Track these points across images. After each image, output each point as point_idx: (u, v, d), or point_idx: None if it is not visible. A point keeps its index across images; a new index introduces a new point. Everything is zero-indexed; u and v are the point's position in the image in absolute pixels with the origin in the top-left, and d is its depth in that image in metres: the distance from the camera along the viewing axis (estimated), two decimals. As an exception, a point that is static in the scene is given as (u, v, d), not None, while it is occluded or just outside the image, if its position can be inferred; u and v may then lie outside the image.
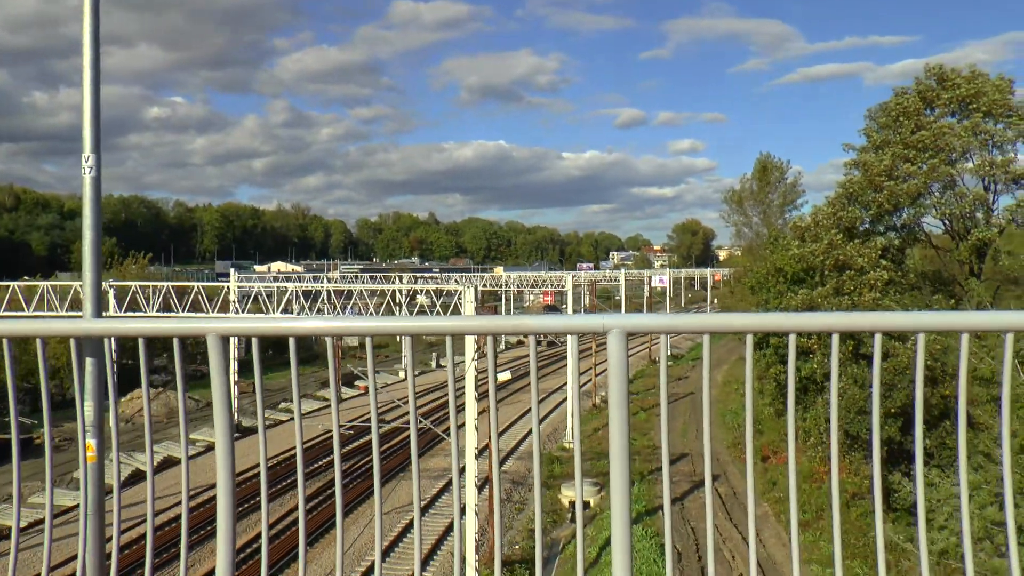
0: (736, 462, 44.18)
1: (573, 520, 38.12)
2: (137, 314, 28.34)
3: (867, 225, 29.49)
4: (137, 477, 42.42)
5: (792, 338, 3.47)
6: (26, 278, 65.15)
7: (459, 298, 22.58)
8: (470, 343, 27.26)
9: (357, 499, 37.79)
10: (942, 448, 28.73)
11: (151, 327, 4.02)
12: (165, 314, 28.24)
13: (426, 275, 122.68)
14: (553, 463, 45.74)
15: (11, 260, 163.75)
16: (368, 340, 3.90)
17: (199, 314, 38.31)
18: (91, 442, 8.48)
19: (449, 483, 40.43)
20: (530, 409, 59.16)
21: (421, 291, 31.79)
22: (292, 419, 57.86)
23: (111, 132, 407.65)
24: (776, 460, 43.34)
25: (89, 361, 8.55)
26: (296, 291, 30.25)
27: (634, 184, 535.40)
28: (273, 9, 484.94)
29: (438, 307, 25.81)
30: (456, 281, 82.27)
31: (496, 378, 3.97)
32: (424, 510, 35.90)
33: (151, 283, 28.82)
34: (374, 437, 3.72)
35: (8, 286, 28.79)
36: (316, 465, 43.86)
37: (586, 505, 39.86)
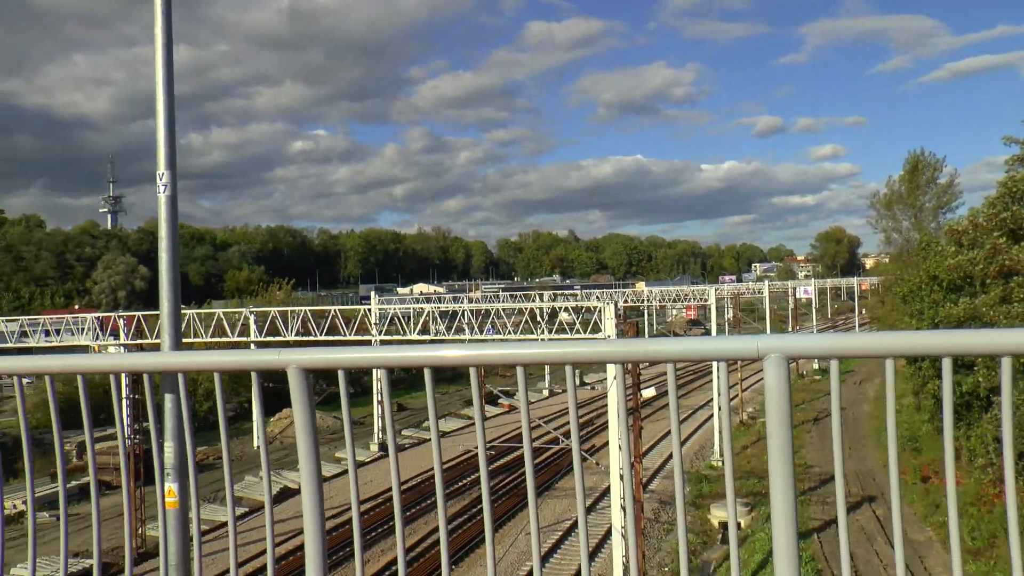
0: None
1: (723, 541, 36.71)
2: (277, 338, 28.80)
3: (1036, 227, 27.28)
4: (284, 495, 43.22)
5: (947, 361, 2.67)
6: (182, 306, 67.24)
7: (599, 315, 21.89)
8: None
9: (498, 519, 37.38)
10: None
11: (227, 359, 3.49)
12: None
13: (567, 292, 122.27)
14: (701, 482, 44.30)
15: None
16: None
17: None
18: (171, 486, 7.85)
19: (593, 505, 39.66)
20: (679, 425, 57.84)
21: (561, 308, 31.23)
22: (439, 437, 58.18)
23: (259, 167, 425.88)
24: (938, 481, 40.77)
25: (168, 397, 7.82)
26: (433, 312, 30.17)
27: (774, 193, 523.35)
28: (406, 40, 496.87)
29: (577, 324, 25.17)
30: (597, 297, 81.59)
31: (639, 395, 3.31)
32: (568, 532, 35.20)
33: (289, 308, 29.19)
34: (527, 454, 3.08)
35: (186, 313, 29.68)
36: (459, 484, 43.81)
37: (737, 526, 38.51)
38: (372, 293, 63.71)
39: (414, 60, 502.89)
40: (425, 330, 32.48)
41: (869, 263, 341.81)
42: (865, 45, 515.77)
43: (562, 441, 49.74)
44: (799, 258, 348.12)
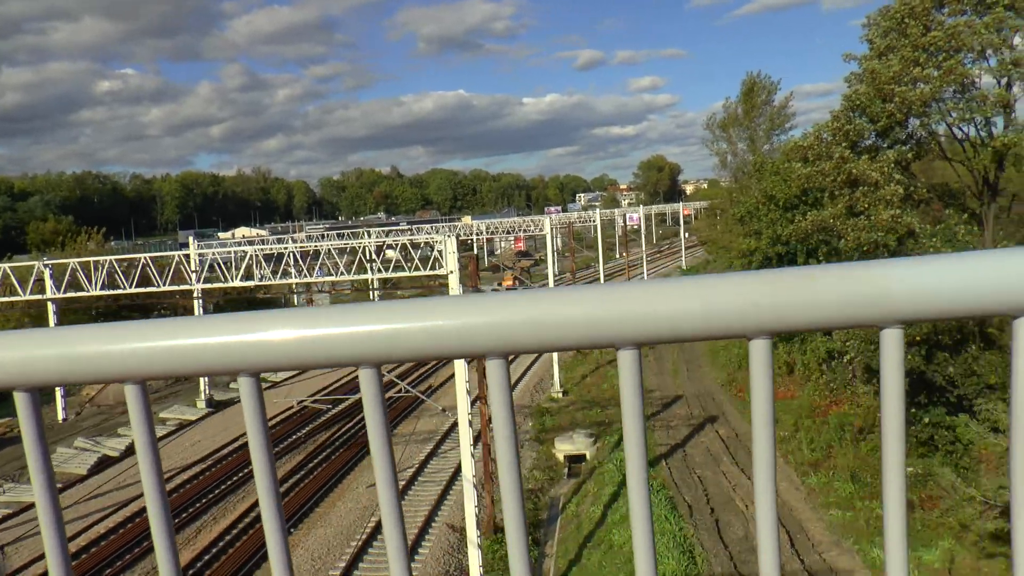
0: (734, 401, 42.13)
1: (571, 475, 36.01)
2: (81, 294, 25.59)
3: (873, 139, 27.15)
4: (104, 463, 39.82)
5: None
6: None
7: (439, 251, 20.09)
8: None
9: (337, 471, 35.41)
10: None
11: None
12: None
13: (394, 228, 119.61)
14: (544, 416, 43.53)
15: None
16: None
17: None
18: None
19: (437, 447, 38.20)
20: (511, 361, 57.02)
21: (396, 245, 29.13)
22: (269, 387, 55.44)
23: (62, 109, 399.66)
24: (775, 395, 41.48)
25: None
26: (257, 255, 27.52)
27: (596, 125, 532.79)
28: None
29: (416, 261, 23.20)
30: (428, 232, 79.47)
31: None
32: (413, 479, 33.60)
33: (91, 258, 25.97)
34: None
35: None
36: (294, 437, 41.47)
37: (582, 458, 37.71)
38: (190, 239, 59.72)
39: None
40: (249, 275, 29.74)
41: (689, 189, 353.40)
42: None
43: (398, 384, 48.08)
44: (622, 187, 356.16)
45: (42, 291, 26.14)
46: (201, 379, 51.23)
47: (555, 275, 52.29)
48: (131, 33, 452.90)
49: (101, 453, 41.21)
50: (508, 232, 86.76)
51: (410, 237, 29.77)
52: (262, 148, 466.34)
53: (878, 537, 24.07)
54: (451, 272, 20.52)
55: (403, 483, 32.94)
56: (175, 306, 74.44)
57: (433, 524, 28.83)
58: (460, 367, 20.96)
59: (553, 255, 53.19)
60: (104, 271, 24.93)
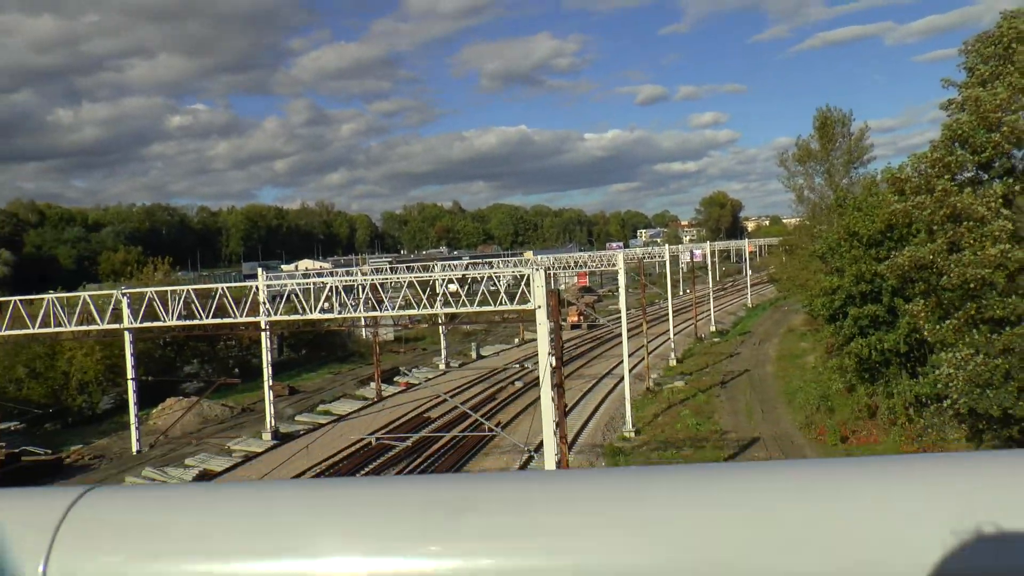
0: (814, 444, 40.56)
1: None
2: (156, 323, 25.22)
3: (975, 172, 25.83)
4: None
5: None
6: (50, 291, 62.45)
7: (526, 283, 19.24)
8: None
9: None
10: None
11: None
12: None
13: (454, 263, 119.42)
14: (617, 456, 42.30)
15: (40, 274, 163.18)
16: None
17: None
18: None
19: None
20: (581, 399, 55.90)
21: (482, 277, 28.28)
22: (334, 421, 55.00)
23: (135, 143, 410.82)
24: (855, 440, 39.80)
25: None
26: (336, 286, 26.90)
27: (657, 161, 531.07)
28: (289, 9, 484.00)
29: (503, 294, 22.30)
30: (491, 265, 78.79)
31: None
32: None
33: (169, 288, 25.66)
34: None
35: (43, 299, 25.86)
36: (362, 473, 40.76)
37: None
38: (259, 270, 59.78)
39: (296, 31, 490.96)
40: (328, 308, 29.12)
41: (751, 225, 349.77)
42: (744, 15, 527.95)
43: (472, 416, 47.33)
44: (683, 223, 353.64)
45: (119, 320, 25.81)
46: (267, 410, 50.98)
47: (625, 310, 51.24)
48: (202, 69, 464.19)
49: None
50: (567, 268, 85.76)
51: (493, 270, 28.97)
52: (325, 182, 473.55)
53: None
54: (539, 307, 19.66)
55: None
56: (241, 338, 74.75)
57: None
58: (547, 409, 20.00)
59: (624, 290, 52.05)
60: (180, 301, 24.51)
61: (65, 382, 60.06)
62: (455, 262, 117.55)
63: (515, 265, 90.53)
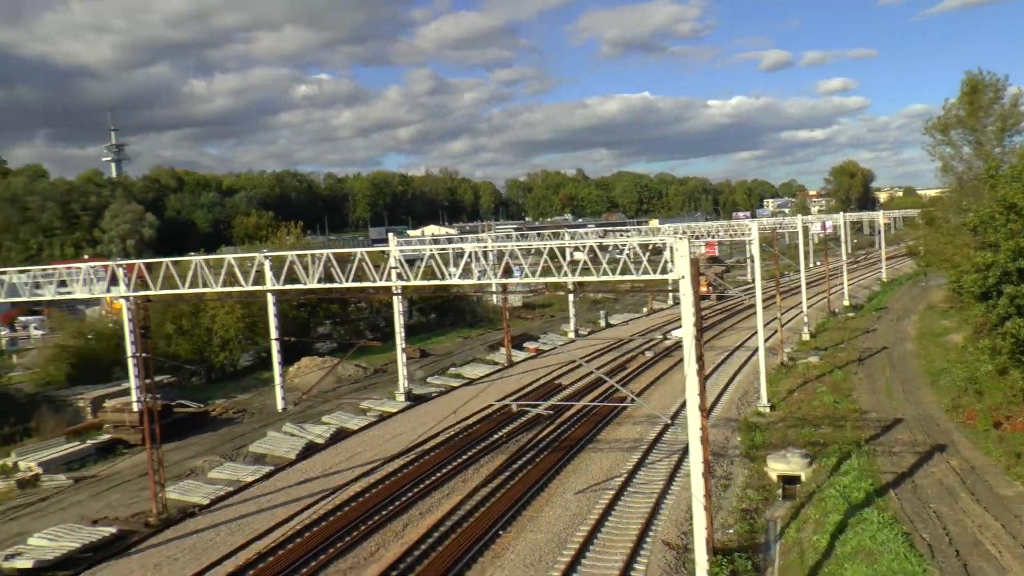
0: (962, 429, 38.81)
1: (786, 497, 33.94)
2: (297, 286, 25.81)
3: None
4: (310, 450, 40.64)
5: None
6: (191, 253, 64.82)
7: (669, 253, 18.92)
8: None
9: (548, 473, 34.59)
10: None
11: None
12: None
13: (581, 231, 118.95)
14: (752, 431, 41.47)
15: (179, 238, 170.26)
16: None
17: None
18: None
19: (644, 457, 36.88)
20: (713, 372, 54.97)
21: (621, 247, 27.95)
22: (465, 385, 55.62)
23: (263, 113, 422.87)
24: (1010, 426, 37.82)
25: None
26: (475, 252, 26.98)
27: (783, 128, 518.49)
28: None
29: (645, 263, 21.92)
30: (619, 234, 78.15)
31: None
32: (621, 490, 32.39)
33: (309, 252, 26.21)
34: None
35: (191, 260, 26.90)
36: (495, 437, 41.08)
37: (796, 480, 35.51)
38: (390, 236, 60.67)
39: (416, 1, 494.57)
40: (467, 273, 29.29)
41: (883, 196, 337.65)
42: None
43: (608, 381, 47.01)
44: (812, 193, 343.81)
45: (262, 281, 26.50)
46: (400, 372, 51.90)
47: (760, 280, 50.03)
48: (327, 41, 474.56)
49: (307, 440, 42.14)
50: (698, 237, 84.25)
51: (641, 238, 28.53)
52: (448, 150, 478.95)
53: None
54: (682, 277, 19.23)
55: (611, 493, 31.84)
56: (372, 301, 76.25)
57: (647, 540, 27.54)
58: (690, 373, 19.59)
59: (759, 261, 50.77)
60: (320, 264, 24.98)
61: (208, 339, 62.52)
62: (583, 230, 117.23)
63: (645, 234, 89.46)
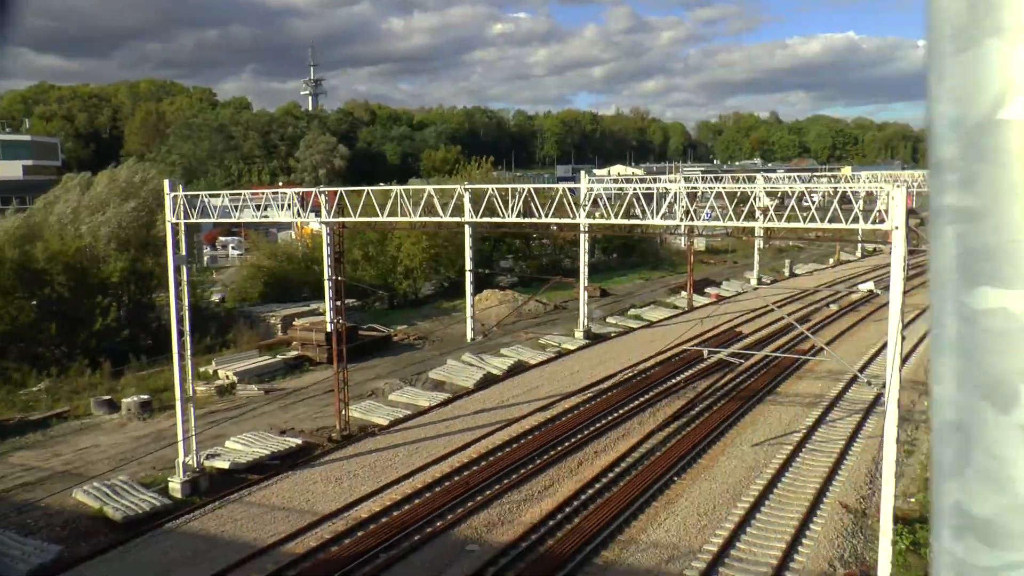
0: None
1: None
2: (495, 219, 26.04)
3: None
4: (488, 381, 41.48)
5: None
6: (381, 183, 66.71)
7: (842, 202, 17.92)
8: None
9: (724, 422, 34.05)
10: None
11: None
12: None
13: (771, 175, 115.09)
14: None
15: (370, 169, 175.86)
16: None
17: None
18: None
19: (825, 414, 35.76)
20: (906, 327, 52.27)
21: (816, 193, 26.77)
22: (644, 327, 55.33)
23: (458, 50, 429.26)
24: None
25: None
26: (680, 192, 26.41)
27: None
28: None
29: (858, 211, 20.89)
30: (867, 180, 74.89)
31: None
32: (800, 446, 31.54)
33: (509, 185, 26.38)
34: None
35: (391, 190, 27.70)
36: (674, 381, 40.72)
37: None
38: (581, 173, 60.70)
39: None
40: (670, 213, 28.78)
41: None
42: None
43: (794, 332, 45.81)
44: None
45: (460, 213, 26.91)
46: (581, 310, 52.10)
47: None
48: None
49: (486, 371, 43.02)
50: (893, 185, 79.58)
51: (850, 186, 27.27)
52: (639, 89, 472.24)
53: None
54: (896, 228, 18.21)
55: (789, 449, 31.07)
56: (555, 237, 76.65)
57: (824, 501, 26.76)
58: (893, 330, 18.59)
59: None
60: (520, 199, 25.08)
61: (393, 267, 64.53)
62: (772, 175, 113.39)
63: (837, 180, 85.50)
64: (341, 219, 27.03)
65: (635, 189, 25.62)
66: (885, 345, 49.03)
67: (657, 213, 25.10)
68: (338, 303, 31.57)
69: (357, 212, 27.34)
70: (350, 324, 38.32)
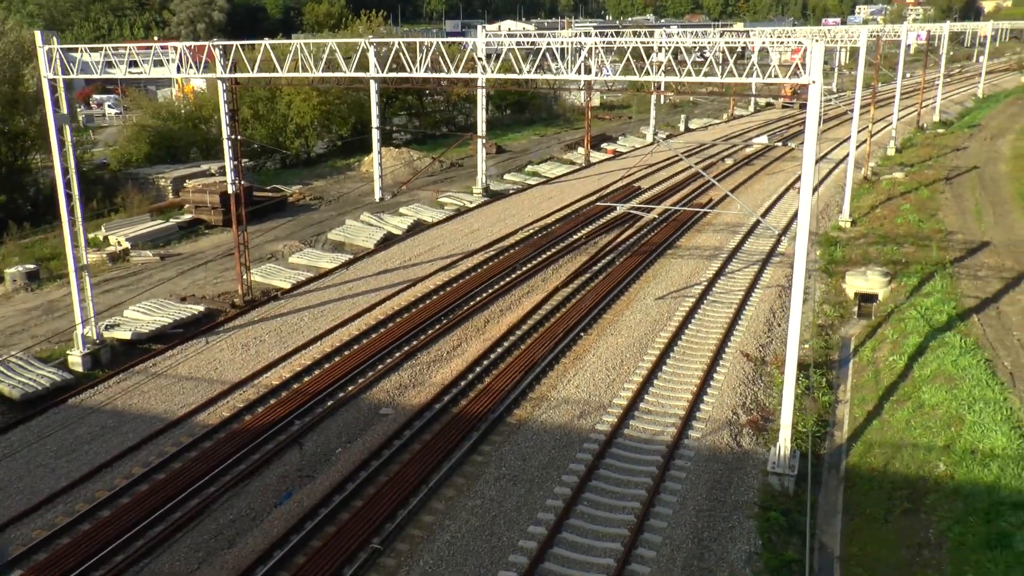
0: (1061, 254, 37.54)
1: (862, 315, 33.66)
2: (402, 74, 25.12)
3: None
4: (388, 240, 41.10)
5: None
6: (265, 38, 63.93)
7: (803, 57, 17.91)
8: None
9: (627, 277, 34.58)
10: None
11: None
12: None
13: (665, 31, 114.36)
14: (832, 246, 40.82)
15: (250, 23, 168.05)
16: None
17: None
18: None
19: (725, 265, 36.64)
20: (798, 180, 53.51)
21: (712, 47, 26.64)
22: (542, 183, 55.29)
23: None
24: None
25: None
26: (558, 48, 25.83)
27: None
28: None
29: (774, 68, 20.84)
30: (768, 36, 74.84)
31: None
32: (701, 298, 32.36)
33: (417, 40, 25.34)
34: None
35: (291, 44, 26.20)
36: (576, 237, 40.99)
37: (874, 298, 35.06)
38: (478, 28, 59.30)
39: None
40: (542, 67, 28.15)
41: (989, 6, 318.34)
42: None
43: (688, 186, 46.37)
44: (909, 0, 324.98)
45: (365, 70, 25.89)
46: (479, 167, 51.65)
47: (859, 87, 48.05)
48: None
49: (385, 231, 42.54)
50: (784, 39, 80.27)
51: (764, 40, 27.10)
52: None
53: None
54: (813, 82, 18.30)
55: (691, 301, 31.85)
56: (449, 93, 75.15)
57: (726, 351, 27.67)
58: (806, 183, 18.84)
59: (861, 67, 48.53)
60: (428, 55, 24.20)
61: (283, 126, 62.42)
62: (667, 30, 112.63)
63: (727, 34, 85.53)
64: (238, 75, 25.69)
65: (548, 44, 25.02)
66: (780, 197, 50.79)
67: (571, 68, 24.65)
68: (236, 163, 30.37)
69: (254, 68, 26.05)
70: (245, 185, 37.16)
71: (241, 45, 25.32)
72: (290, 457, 21.04)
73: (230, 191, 31.88)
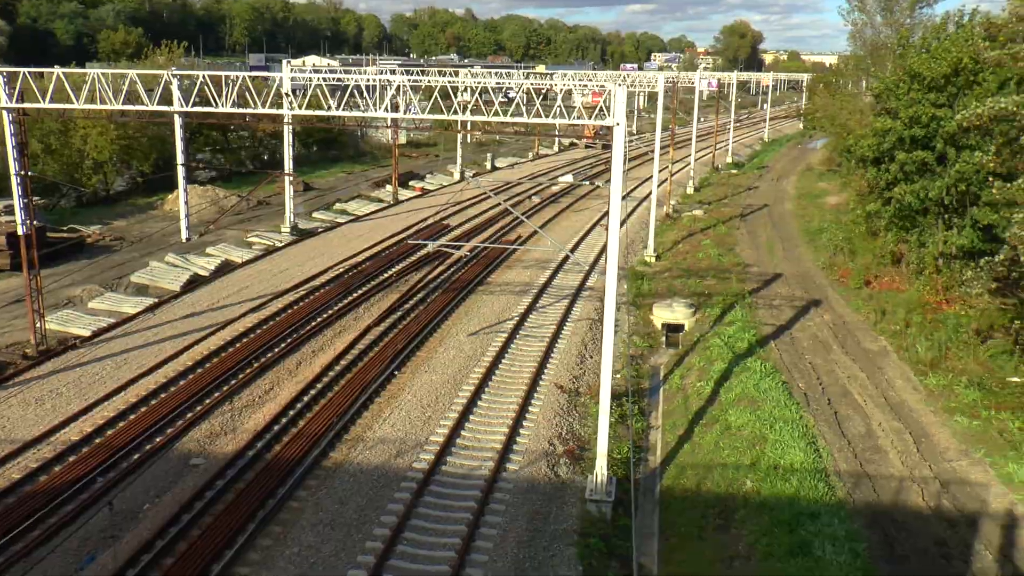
0: (836, 286, 40.44)
1: (670, 345, 34.96)
2: (209, 108, 24.24)
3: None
4: (195, 283, 39.46)
5: None
6: (56, 66, 60.17)
7: (607, 99, 18.28)
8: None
9: (440, 314, 34.54)
10: None
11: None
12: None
13: (470, 71, 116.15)
14: (640, 280, 42.27)
15: (38, 48, 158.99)
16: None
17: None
18: None
19: (536, 300, 37.20)
20: (603, 217, 55.26)
21: (518, 88, 27.03)
22: (351, 221, 54.60)
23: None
24: (879, 285, 39.55)
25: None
26: (365, 85, 25.67)
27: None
28: None
29: (560, 106, 21.22)
30: (534, 76, 76.47)
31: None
32: (513, 333, 32.68)
33: (223, 73, 24.50)
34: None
35: (87, 73, 24.66)
36: (387, 275, 40.66)
37: (680, 328, 36.55)
38: (284, 63, 58.20)
39: None
40: (352, 105, 27.77)
41: (768, 59, 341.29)
42: None
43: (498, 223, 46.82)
44: (700, 50, 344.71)
45: (168, 103, 24.83)
46: (287, 205, 50.53)
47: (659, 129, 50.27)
48: None
49: (192, 272, 40.87)
50: (585, 83, 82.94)
51: (566, 83, 27.68)
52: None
53: (1013, 451, 22.80)
54: (617, 124, 18.85)
55: (504, 336, 32.11)
56: (255, 129, 73.29)
57: (540, 383, 28.01)
58: (614, 219, 19.40)
59: (660, 110, 50.84)
60: (234, 89, 23.47)
61: (79, 161, 58.96)
62: (471, 70, 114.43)
63: (532, 76, 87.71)
64: (26, 104, 24.10)
65: (355, 80, 24.78)
66: (587, 233, 52.18)
67: (379, 105, 24.51)
68: (26, 201, 28.34)
69: (46, 98, 24.54)
70: (38, 225, 34.77)
71: (30, 73, 23.79)
72: (94, 518, 19.55)
73: (20, 232, 29.67)
